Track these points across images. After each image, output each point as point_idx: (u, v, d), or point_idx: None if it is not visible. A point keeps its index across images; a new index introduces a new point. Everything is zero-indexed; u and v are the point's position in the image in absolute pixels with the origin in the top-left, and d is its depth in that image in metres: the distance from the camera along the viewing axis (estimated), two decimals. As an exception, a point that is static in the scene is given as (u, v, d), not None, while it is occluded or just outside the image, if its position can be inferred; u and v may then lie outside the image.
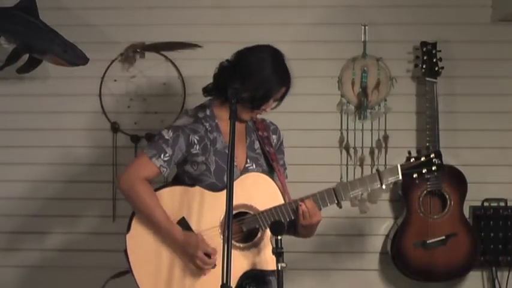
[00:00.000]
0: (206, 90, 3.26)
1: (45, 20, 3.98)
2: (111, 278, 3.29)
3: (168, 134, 3.14)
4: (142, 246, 3.09)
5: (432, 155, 3.16)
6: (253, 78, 3.09)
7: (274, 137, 3.33)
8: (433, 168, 3.15)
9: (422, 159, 3.15)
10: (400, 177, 3.14)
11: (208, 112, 3.22)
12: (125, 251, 3.11)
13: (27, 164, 4.30)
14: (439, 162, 3.15)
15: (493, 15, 4.28)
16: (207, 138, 3.17)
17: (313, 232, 3.23)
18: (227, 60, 3.18)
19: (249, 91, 3.06)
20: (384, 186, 3.15)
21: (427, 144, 4.08)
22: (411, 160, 3.16)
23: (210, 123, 3.19)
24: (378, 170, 3.17)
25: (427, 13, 4.29)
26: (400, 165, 3.14)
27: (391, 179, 3.15)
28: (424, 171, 3.15)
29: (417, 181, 3.20)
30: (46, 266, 4.29)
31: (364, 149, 4.29)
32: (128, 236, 3.11)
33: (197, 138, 3.15)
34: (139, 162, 3.15)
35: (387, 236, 4.28)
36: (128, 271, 3.12)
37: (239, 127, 3.23)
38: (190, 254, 3.04)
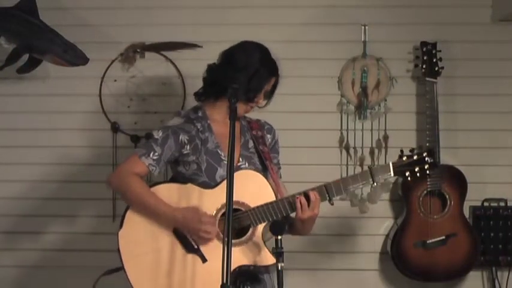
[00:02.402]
0: (197, 94, 3.33)
1: (45, 20, 3.98)
2: (103, 275, 3.30)
3: (157, 134, 3.20)
4: (134, 243, 3.11)
5: (425, 154, 3.17)
6: (244, 71, 3.15)
7: (268, 136, 3.36)
8: (426, 166, 3.15)
9: (415, 157, 3.17)
10: (392, 174, 3.16)
11: (200, 113, 3.26)
12: (118, 249, 3.13)
13: (26, 164, 4.30)
14: (432, 160, 3.16)
15: (493, 15, 4.28)
16: (197, 138, 3.20)
17: (310, 229, 3.23)
18: (214, 63, 3.27)
19: (242, 84, 3.11)
20: (375, 184, 3.17)
21: (427, 144, 4.09)
22: (403, 158, 3.18)
23: (202, 124, 3.23)
24: (369, 167, 3.19)
25: (427, 13, 4.29)
26: (392, 163, 3.17)
27: (383, 176, 3.17)
28: (416, 169, 3.15)
29: (409, 179, 3.18)
30: (45, 265, 4.29)
31: (364, 149, 4.29)
32: (120, 233, 3.14)
33: (187, 138, 3.20)
34: (129, 161, 3.20)
35: (387, 236, 4.28)
36: (120, 268, 3.13)
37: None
38: (192, 228, 3.06)
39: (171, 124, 3.24)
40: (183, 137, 3.19)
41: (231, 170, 2.82)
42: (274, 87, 3.28)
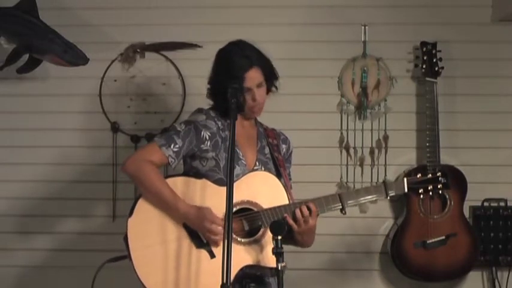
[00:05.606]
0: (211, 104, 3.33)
1: (45, 20, 3.99)
2: (108, 262, 3.28)
3: (180, 127, 3.20)
4: (143, 233, 3.08)
5: (439, 174, 3.24)
6: (225, 75, 3.14)
7: (283, 146, 3.39)
8: (439, 186, 3.23)
9: (429, 176, 3.23)
10: (406, 190, 3.22)
11: (219, 112, 3.26)
12: (125, 237, 3.09)
13: (27, 164, 4.30)
14: (445, 181, 3.23)
15: (493, 15, 4.28)
16: (218, 136, 3.21)
17: (310, 241, 3.25)
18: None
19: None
20: (388, 198, 3.23)
21: (427, 144, 4.09)
22: (417, 176, 3.23)
23: (223, 122, 3.24)
24: (384, 182, 3.23)
25: (427, 13, 4.29)
26: (407, 179, 3.22)
27: (396, 192, 3.22)
28: (429, 187, 3.22)
29: (422, 196, 3.29)
30: (46, 266, 4.29)
31: (364, 149, 4.29)
32: (129, 220, 3.10)
33: (209, 134, 3.20)
34: (148, 149, 3.20)
35: (387, 236, 4.28)
36: (126, 256, 3.10)
37: (251, 131, 3.31)
38: (201, 227, 3.05)
39: (194, 119, 3.24)
40: (204, 133, 3.19)
41: (231, 170, 2.82)
42: (269, 74, 3.21)
